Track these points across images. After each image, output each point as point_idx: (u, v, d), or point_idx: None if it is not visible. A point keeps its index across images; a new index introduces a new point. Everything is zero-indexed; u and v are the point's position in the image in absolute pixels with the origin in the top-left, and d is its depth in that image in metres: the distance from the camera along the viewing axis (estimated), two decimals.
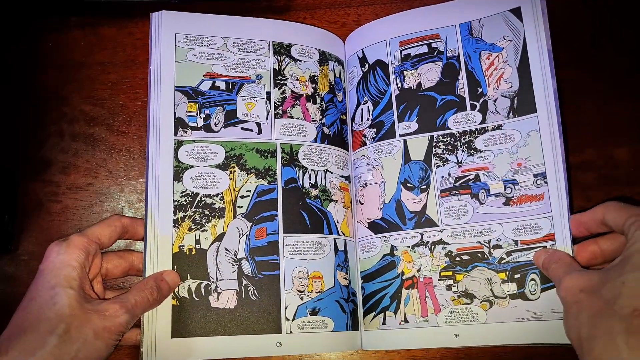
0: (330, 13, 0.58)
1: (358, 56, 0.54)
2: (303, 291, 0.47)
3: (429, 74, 0.51)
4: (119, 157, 0.55)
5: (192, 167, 0.49)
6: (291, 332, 0.46)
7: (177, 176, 0.48)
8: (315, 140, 0.51)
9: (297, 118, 0.51)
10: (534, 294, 0.45)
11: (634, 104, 0.53)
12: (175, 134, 0.49)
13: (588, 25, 0.55)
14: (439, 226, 0.48)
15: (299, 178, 0.50)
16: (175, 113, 0.49)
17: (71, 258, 0.41)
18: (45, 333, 0.37)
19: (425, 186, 0.49)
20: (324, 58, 0.53)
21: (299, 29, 0.54)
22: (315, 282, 0.48)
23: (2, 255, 0.52)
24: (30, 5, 0.58)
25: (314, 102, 0.52)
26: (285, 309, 0.47)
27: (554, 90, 0.47)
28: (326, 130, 0.51)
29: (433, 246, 0.48)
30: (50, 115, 0.55)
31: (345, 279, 0.49)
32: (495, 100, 0.49)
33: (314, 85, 0.52)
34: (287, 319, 0.46)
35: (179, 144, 0.49)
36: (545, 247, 0.45)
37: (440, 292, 0.47)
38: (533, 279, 0.45)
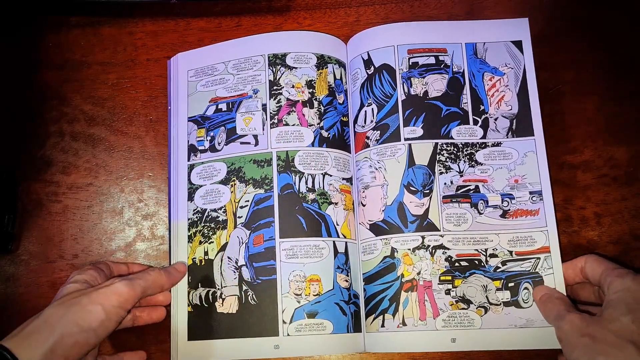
0: (331, 13, 0.58)
1: (363, 58, 0.54)
2: (300, 294, 0.48)
3: (435, 84, 0.52)
4: (119, 157, 0.55)
5: (201, 186, 0.52)
6: (288, 335, 0.47)
7: (190, 196, 0.52)
8: (313, 144, 0.51)
9: (293, 125, 0.51)
10: (526, 302, 0.48)
11: (634, 103, 0.53)
12: (189, 159, 0.53)
13: (588, 25, 0.55)
14: (440, 231, 0.49)
15: (294, 183, 0.50)
16: (188, 141, 0.53)
17: None
18: None
19: (428, 191, 0.50)
20: (322, 62, 0.53)
21: (294, 36, 0.54)
22: (312, 285, 0.48)
23: (2, 255, 0.52)
24: (30, 5, 0.58)
25: (311, 107, 0.52)
26: (282, 312, 0.47)
27: (539, 117, 0.51)
28: (324, 134, 0.51)
29: (434, 250, 0.49)
30: (50, 115, 0.56)
31: (346, 281, 0.49)
32: (495, 119, 0.52)
33: (310, 90, 0.52)
34: (284, 322, 0.47)
35: (191, 168, 0.53)
36: (538, 258, 0.48)
37: (440, 296, 0.48)
38: (526, 288, 0.48)
